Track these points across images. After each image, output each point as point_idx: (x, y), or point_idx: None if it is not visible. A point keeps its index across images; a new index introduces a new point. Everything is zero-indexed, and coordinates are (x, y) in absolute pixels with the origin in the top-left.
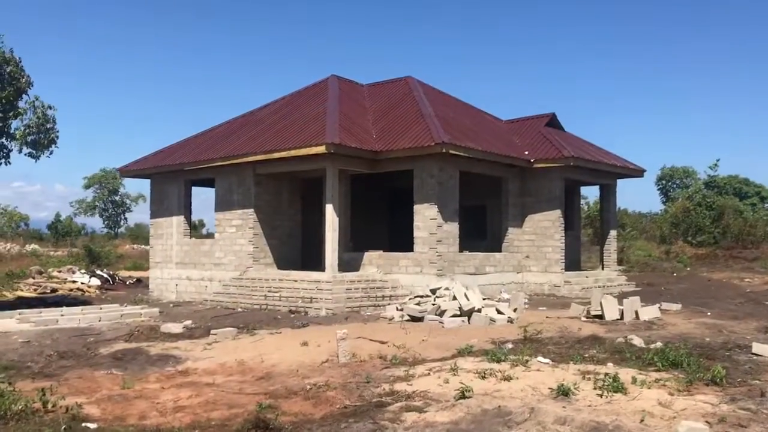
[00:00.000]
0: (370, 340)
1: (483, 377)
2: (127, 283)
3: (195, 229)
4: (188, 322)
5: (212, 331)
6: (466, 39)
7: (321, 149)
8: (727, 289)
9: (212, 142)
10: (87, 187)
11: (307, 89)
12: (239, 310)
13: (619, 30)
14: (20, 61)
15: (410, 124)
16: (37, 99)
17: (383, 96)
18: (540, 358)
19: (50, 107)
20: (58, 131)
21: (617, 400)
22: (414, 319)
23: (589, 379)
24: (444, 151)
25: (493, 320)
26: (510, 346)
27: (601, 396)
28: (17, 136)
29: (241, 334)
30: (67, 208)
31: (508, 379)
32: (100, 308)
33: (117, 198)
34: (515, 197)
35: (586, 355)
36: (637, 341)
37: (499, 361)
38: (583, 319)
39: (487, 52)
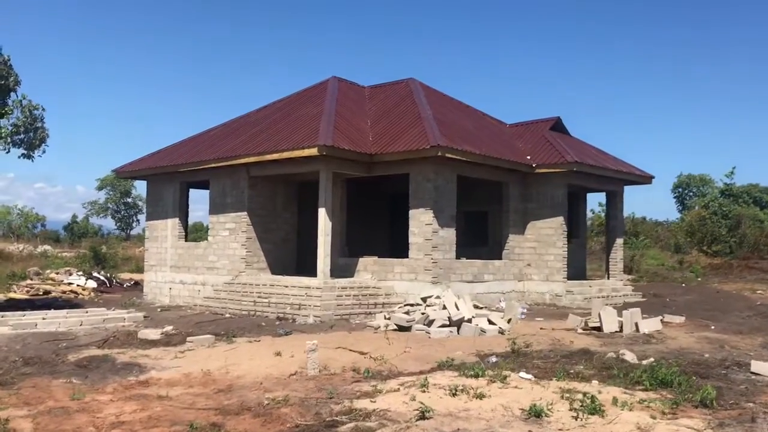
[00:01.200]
0: (350, 350)
1: (454, 394)
2: (125, 285)
3: (197, 232)
4: (169, 328)
5: (188, 339)
6: (476, 43)
7: (313, 151)
8: (736, 301)
9: (208, 143)
10: (100, 188)
11: (306, 90)
12: (227, 316)
13: (636, 36)
14: (8, 60)
15: (407, 126)
16: (24, 98)
17: (383, 98)
18: (522, 374)
19: (37, 107)
20: (47, 130)
21: (592, 423)
22: (401, 328)
23: (567, 398)
24: (440, 154)
25: (483, 331)
26: (494, 359)
27: (575, 418)
28: (2, 135)
29: (219, 341)
30: (83, 210)
31: (480, 397)
32: (86, 312)
33: (129, 200)
34: (517, 203)
35: (572, 371)
36: (629, 357)
37: (476, 376)
38: (580, 331)
39: (498, 55)
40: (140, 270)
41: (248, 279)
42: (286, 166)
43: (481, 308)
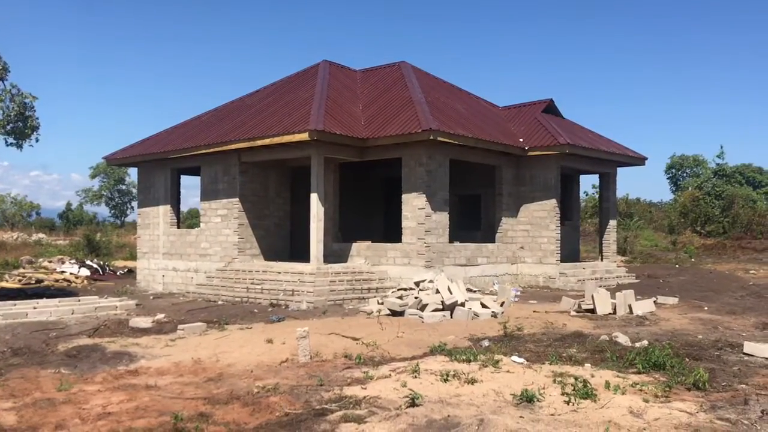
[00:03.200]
0: (342, 336)
1: (445, 380)
2: (118, 273)
3: (193, 219)
4: (160, 316)
5: (180, 327)
6: (468, 24)
7: (304, 136)
8: (730, 282)
9: (198, 129)
10: (93, 176)
11: (297, 75)
12: (219, 303)
13: (630, 22)
14: None
15: (399, 110)
16: (14, 87)
17: (375, 82)
18: (514, 358)
19: (28, 96)
20: (38, 119)
21: (584, 407)
22: (394, 313)
23: (560, 382)
24: (432, 138)
25: (476, 315)
26: (487, 343)
27: (568, 403)
28: None
29: (210, 329)
30: (77, 198)
31: (472, 382)
32: (78, 300)
33: (123, 187)
34: (510, 186)
35: (564, 355)
36: (623, 339)
37: (468, 361)
38: (573, 313)
39: (490, 37)
40: (134, 257)
41: (241, 265)
42: (278, 151)
43: (475, 292)
